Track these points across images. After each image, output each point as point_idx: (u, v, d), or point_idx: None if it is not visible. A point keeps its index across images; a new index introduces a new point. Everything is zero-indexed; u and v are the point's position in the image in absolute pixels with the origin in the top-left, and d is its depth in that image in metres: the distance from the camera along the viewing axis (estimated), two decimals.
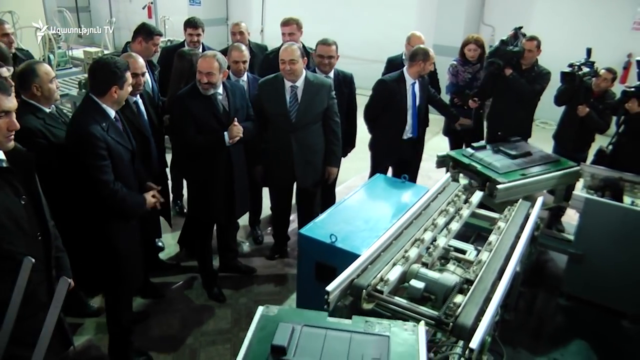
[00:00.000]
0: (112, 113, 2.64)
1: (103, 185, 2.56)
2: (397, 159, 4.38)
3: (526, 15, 7.77)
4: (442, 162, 4.16)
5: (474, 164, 3.84)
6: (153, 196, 2.86)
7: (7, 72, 3.08)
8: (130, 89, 2.69)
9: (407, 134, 4.23)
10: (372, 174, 4.36)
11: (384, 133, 4.29)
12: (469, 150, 4.02)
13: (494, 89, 4.55)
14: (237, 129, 3.26)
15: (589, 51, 4.24)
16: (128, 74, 2.64)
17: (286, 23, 4.46)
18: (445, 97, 4.87)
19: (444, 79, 4.98)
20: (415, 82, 4.14)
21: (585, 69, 4.15)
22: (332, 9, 9.48)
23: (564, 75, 4.13)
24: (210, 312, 3.54)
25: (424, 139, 4.51)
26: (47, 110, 2.81)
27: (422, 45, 4.22)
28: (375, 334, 1.70)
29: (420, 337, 1.70)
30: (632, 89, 3.78)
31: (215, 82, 3.18)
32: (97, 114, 2.57)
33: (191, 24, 4.47)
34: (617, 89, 4.18)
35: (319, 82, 3.67)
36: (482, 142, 4.29)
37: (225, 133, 3.24)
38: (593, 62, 4.21)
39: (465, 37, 4.75)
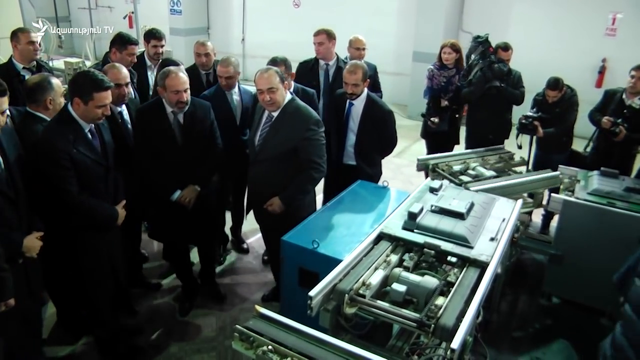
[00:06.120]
0: (85, 127, 2.63)
1: (67, 195, 2.56)
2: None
3: (503, 22, 7.96)
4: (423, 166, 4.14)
5: (436, 242, 2.54)
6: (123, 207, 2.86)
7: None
8: (98, 110, 2.59)
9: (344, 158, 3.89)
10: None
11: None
12: (408, 222, 2.66)
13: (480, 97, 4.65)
14: (187, 199, 3.22)
15: None
16: (97, 94, 2.55)
17: (316, 33, 4.44)
18: (423, 102, 4.95)
19: (422, 85, 5.05)
20: (353, 104, 3.75)
21: None
22: (314, 17, 9.54)
23: None
24: (195, 321, 3.52)
25: (361, 166, 3.86)
26: None
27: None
28: None
29: None
30: None
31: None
32: (67, 126, 2.57)
33: (156, 36, 4.31)
34: (596, 92, 4.31)
35: (296, 115, 3.13)
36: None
37: (177, 192, 3.19)
38: None
39: (443, 42, 4.85)
